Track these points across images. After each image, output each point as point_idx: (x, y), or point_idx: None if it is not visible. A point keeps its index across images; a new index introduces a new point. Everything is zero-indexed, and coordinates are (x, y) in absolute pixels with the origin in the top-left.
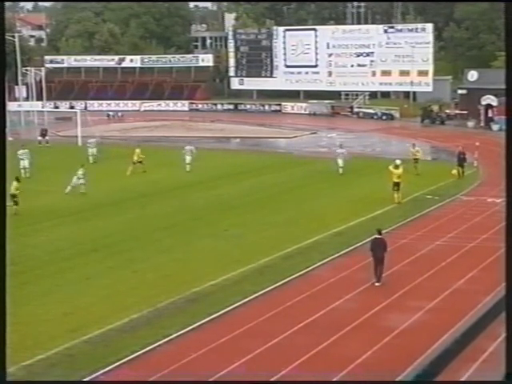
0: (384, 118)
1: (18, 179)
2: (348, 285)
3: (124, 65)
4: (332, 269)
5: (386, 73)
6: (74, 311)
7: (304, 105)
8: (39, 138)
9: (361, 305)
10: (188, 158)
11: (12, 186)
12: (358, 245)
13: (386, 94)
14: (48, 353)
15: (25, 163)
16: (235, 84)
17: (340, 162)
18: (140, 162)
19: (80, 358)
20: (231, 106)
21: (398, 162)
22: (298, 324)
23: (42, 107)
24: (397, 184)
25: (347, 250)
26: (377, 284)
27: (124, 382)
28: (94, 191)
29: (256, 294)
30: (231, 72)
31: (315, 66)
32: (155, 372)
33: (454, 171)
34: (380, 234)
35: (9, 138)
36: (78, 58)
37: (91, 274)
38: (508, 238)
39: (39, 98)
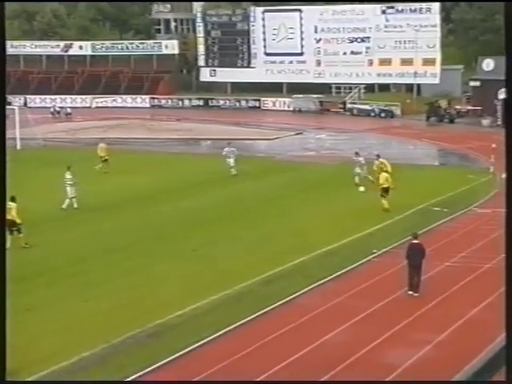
0: (382, 115)
1: (13, 199)
2: (341, 314)
3: (71, 52)
4: (322, 295)
5: (384, 62)
6: (11, 350)
7: (287, 100)
8: None
9: (356, 338)
10: (230, 162)
11: (9, 209)
12: (353, 266)
13: (384, 87)
14: None
15: None
16: (205, 75)
17: (359, 170)
18: (105, 159)
19: None
20: (201, 102)
21: (380, 160)
22: (281, 362)
23: None
24: (386, 189)
25: (339, 272)
26: (414, 294)
27: (125, 382)
28: (33, 204)
29: (231, 326)
30: (201, 61)
31: (301, 54)
32: None
33: None
34: (416, 238)
35: None
36: (15, 43)
37: (33, 303)
38: (508, 238)
39: None
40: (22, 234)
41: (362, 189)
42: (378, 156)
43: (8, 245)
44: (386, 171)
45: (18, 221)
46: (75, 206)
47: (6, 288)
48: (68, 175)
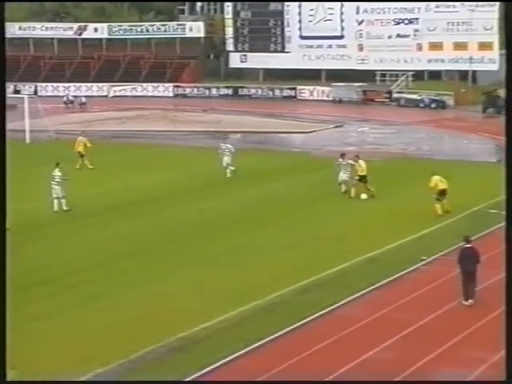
0: (433, 105)
1: None
2: (385, 328)
3: (86, 35)
4: (363, 307)
5: (435, 46)
6: (16, 364)
7: (326, 89)
8: None
9: (402, 355)
10: (226, 160)
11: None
12: (399, 275)
13: (435, 75)
14: None
15: None
16: (235, 61)
17: (345, 177)
18: (82, 154)
19: None
20: (230, 91)
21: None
22: (320, 380)
23: None
24: (443, 192)
25: (383, 281)
26: (469, 302)
27: (125, 382)
28: (36, 205)
29: (263, 341)
30: (229, 45)
31: (341, 38)
32: None
33: None
34: (468, 241)
35: None
36: (24, 25)
37: (39, 314)
38: (508, 238)
39: None
40: None
41: (364, 196)
42: (357, 157)
43: None
44: (361, 175)
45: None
46: (64, 207)
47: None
48: (57, 172)
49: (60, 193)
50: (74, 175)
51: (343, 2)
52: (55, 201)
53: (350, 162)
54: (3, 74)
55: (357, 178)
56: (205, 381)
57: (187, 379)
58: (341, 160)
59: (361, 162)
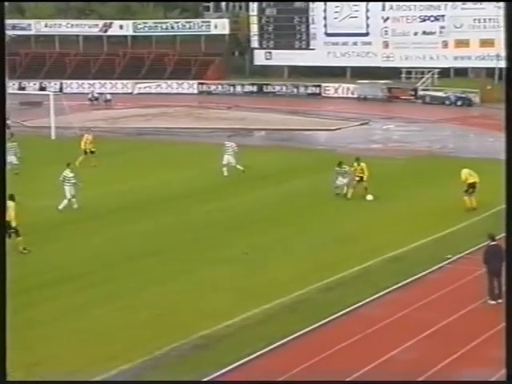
0: (459, 103)
1: (12, 198)
2: (409, 328)
3: (111, 32)
4: (387, 306)
5: (461, 43)
6: (39, 361)
7: (351, 86)
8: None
9: (425, 355)
10: (228, 158)
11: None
12: (423, 274)
13: (461, 72)
14: None
15: (12, 159)
16: (260, 58)
17: (340, 181)
18: (92, 151)
19: None
20: (254, 88)
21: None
22: (342, 379)
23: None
24: (472, 185)
25: (407, 280)
26: (496, 302)
27: (131, 382)
28: (57, 203)
29: (286, 339)
30: (254, 43)
31: (366, 35)
32: None
33: None
34: (493, 239)
35: None
36: (50, 22)
37: (60, 312)
38: (508, 239)
39: None
40: (20, 237)
41: (369, 197)
42: (358, 160)
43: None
44: (362, 178)
45: (14, 223)
46: (75, 206)
47: (30, 294)
48: (68, 173)
49: (70, 193)
50: (95, 173)
51: None
52: (65, 201)
53: (347, 169)
54: (3, 74)
55: (357, 178)
56: (219, 381)
57: (209, 377)
58: (338, 169)
59: (362, 164)
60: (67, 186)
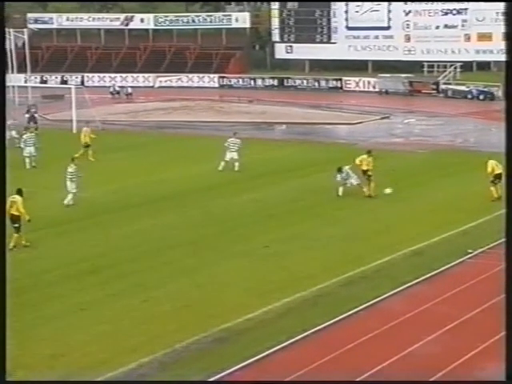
0: (481, 97)
1: (20, 192)
2: (429, 322)
3: (132, 26)
4: (408, 300)
5: (484, 36)
6: (64, 352)
7: (373, 80)
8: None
9: (446, 350)
10: (232, 155)
11: (14, 203)
12: (444, 268)
13: (484, 66)
14: None
15: (31, 150)
16: (281, 52)
17: (339, 178)
18: (88, 145)
19: None
20: (275, 82)
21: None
22: (362, 374)
23: (25, 82)
24: (499, 176)
25: (428, 275)
26: None
27: (131, 381)
28: (87, 195)
29: (306, 333)
30: (275, 36)
31: (387, 28)
32: None
33: None
34: None
35: None
36: (72, 16)
37: (86, 303)
38: (508, 238)
39: (21, 69)
40: (20, 233)
41: (388, 191)
42: (369, 152)
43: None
44: (367, 170)
45: (27, 217)
46: (65, 202)
47: (59, 285)
48: (72, 168)
49: (73, 189)
50: (119, 167)
51: None
52: (69, 195)
53: (347, 170)
54: (3, 74)
55: (365, 171)
56: (223, 381)
57: (230, 370)
58: (338, 175)
59: (370, 158)
60: (68, 182)
